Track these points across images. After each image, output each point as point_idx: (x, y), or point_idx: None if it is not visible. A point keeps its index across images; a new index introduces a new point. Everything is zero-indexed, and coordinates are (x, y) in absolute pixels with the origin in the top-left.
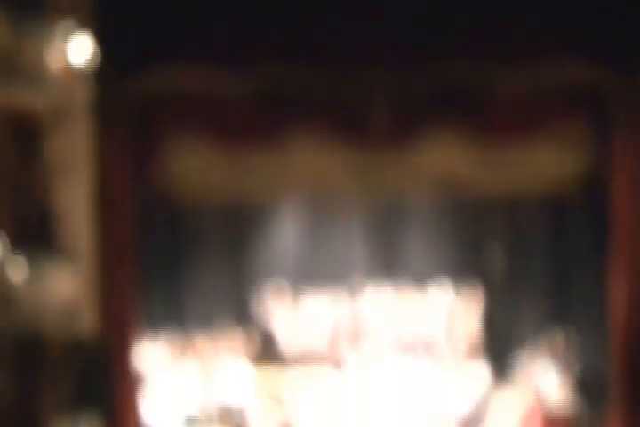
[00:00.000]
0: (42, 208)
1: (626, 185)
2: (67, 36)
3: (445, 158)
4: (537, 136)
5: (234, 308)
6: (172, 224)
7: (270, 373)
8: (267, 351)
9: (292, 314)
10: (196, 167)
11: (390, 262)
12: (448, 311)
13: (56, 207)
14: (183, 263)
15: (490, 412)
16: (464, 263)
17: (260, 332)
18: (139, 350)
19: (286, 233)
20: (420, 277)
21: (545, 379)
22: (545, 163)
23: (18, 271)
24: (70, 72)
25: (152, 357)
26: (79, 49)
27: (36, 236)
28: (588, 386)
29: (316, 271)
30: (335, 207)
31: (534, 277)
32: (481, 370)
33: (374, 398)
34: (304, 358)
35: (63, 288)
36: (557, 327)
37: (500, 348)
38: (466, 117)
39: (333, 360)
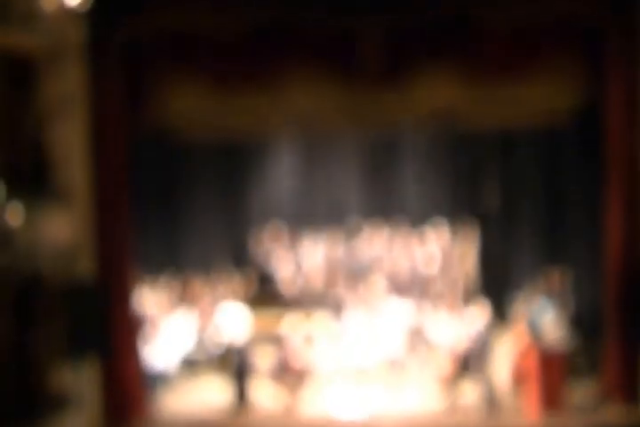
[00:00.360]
0: (37, 151)
1: (620, 117)
2: None
3: (441, 93)
4: (533, 69)
5: (232, 250)
6: (169, 165)
7: (268, 314)
8: (265, 293)
9: (290, 255)
10: (192, 105)
11: (387, 202)
12: (445, 251)
13: (51, 149)
14: (181, 205)
15: (488, 350)
16: (460, 202)
17: (258, 274)
18: (137, 292)
19: (284, 173)
20: (417, 217)
21: (541, 316)
22: (541, 96)
23: (15, 215)
24: (64, 12)
25: (151, 300)
26: None
27: (32, 178)
28: (583, 323)
29: (313, 212)
30: (332, 146)
31: (531, 213)
32: (479, 309)
33: (373, 337)
34: (302, 300)
35: (60, 231)
36: (553, 265)
37: (497, 286)
38: (462, 51)
39: (331, 301)
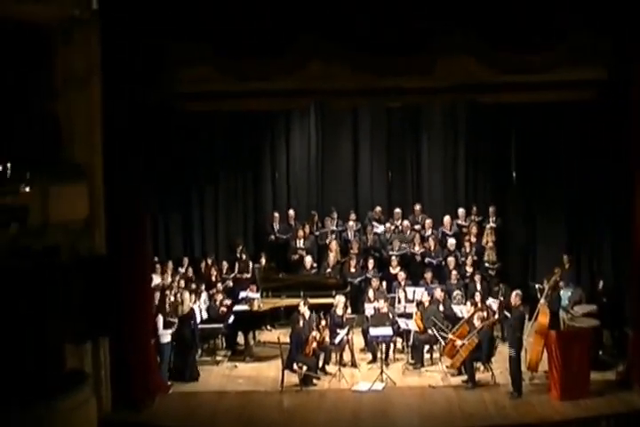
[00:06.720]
0: (52, 124)
1: None
2: None
3: (463, 66)
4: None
5: (247, 233)
6: (184, 144)
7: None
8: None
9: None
10: (208, 84)
11: (405, 189)
12: (464, 235)
13: (66, 123)
14: (198, 187)
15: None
16: (479, 186)
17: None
18: (151, 271)
19: (299, 156)
20: (437, 203)
21: (562, 299)
22: (565, 69)
23: (30, 190)
24: None
25: (168, 279)
26: None
27: (48, 153)
28: (607, 305)
29: (331, 195)
30: (350, 128)
31: (554, 196)
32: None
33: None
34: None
35: (74, 206)
36: (574, 251)
37: (518, 271)
38: (484, 23)
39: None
